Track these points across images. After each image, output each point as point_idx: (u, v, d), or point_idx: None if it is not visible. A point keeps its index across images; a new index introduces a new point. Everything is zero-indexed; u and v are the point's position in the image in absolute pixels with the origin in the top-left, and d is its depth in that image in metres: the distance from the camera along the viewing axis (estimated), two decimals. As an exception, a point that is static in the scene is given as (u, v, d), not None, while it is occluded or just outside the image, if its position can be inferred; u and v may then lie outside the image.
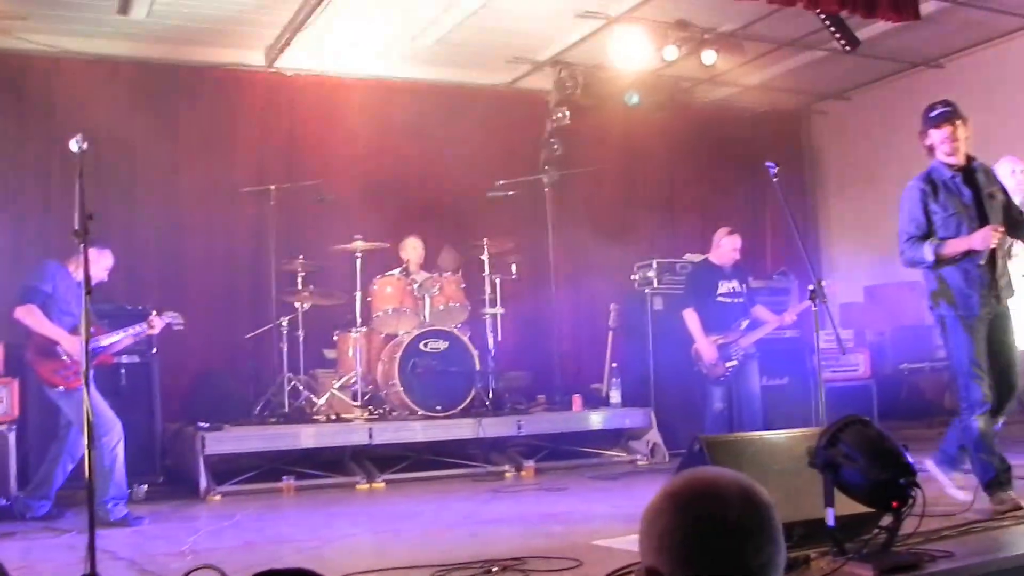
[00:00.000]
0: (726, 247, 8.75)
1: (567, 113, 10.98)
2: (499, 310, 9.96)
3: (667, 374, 10.03)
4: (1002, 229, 5.58)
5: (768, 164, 6.05)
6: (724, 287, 8.72)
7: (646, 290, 10.69)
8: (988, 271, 5.66)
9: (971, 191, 5.67)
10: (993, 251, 5.65)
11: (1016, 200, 6.78)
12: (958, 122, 5.71)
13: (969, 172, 5.75)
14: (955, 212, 5.64)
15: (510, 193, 10.40)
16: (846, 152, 13.27)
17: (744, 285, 8.83)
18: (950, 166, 5.70)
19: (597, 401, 10.34)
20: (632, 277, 11.00)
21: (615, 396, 10.19)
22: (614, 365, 10.43)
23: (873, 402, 10.33)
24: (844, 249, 13.21)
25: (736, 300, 8.72)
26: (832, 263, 13.51)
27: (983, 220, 5.65)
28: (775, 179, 6.04)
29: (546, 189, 10.55)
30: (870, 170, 12.65)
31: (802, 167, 13.90)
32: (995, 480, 5.68)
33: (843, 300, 12.03)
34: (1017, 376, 5.83)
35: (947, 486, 6.14)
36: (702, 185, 13.15)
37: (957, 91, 11.36)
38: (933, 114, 5.74)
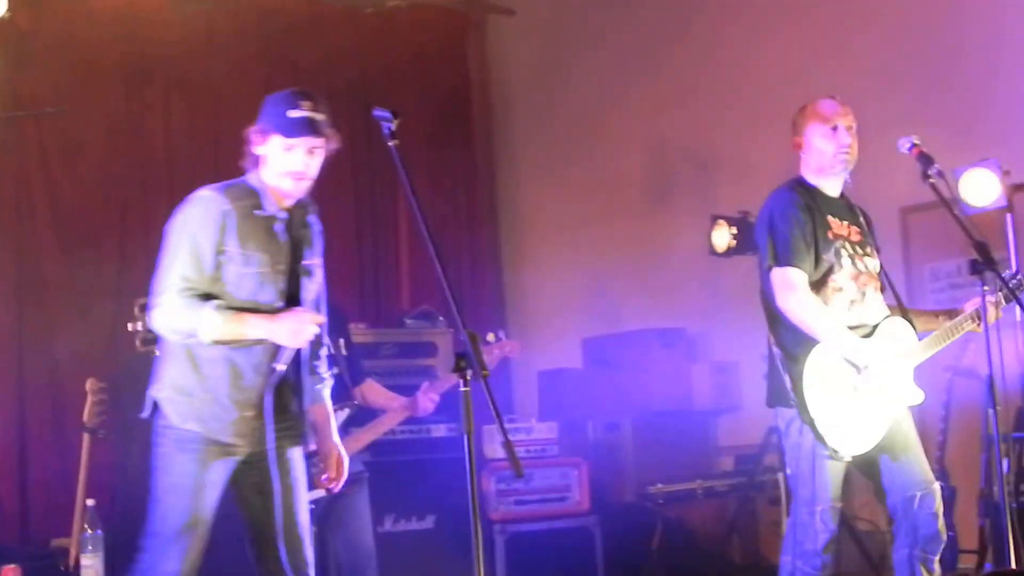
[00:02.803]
0: None
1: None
2: None
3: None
4: (322, 320, 4.33)
5: (377, 112, 3.91)
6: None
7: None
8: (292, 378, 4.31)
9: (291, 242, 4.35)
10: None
11: None
12: (314, 138, 4.19)
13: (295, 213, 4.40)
14: (261, 268, 4.21)
15: None
16: (554, 86, 9.49)
17: (343, 340, 6.06)
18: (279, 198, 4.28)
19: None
20: (132, 326, 6.96)
21: (91, 566, 6.24)
22: (91, 503, 6.39)
23: (597, 558, 6.96)
24: (548, 267, 9.50)
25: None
26: (523, 292, 9.67)
27: (292, 295, 4.26)
28: (392, 142, 3.87)
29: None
30: (598, 115, 9.01)
31: (468, 116, 9.76)
32: None
33: (544, 365, 8.54)
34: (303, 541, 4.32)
35: None
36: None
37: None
38: (283, 113, 4.14)
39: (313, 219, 4.34)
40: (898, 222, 7.44)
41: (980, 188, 6.34)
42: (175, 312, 4.08)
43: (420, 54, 9.21)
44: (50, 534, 7.06)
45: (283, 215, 4.21)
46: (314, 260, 4.36)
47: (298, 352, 4.31)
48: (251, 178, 4.17)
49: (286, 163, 4.12)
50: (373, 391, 6.08)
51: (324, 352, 4.47)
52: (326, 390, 4.40)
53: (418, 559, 6.79)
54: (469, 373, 3.67)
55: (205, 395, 4.20)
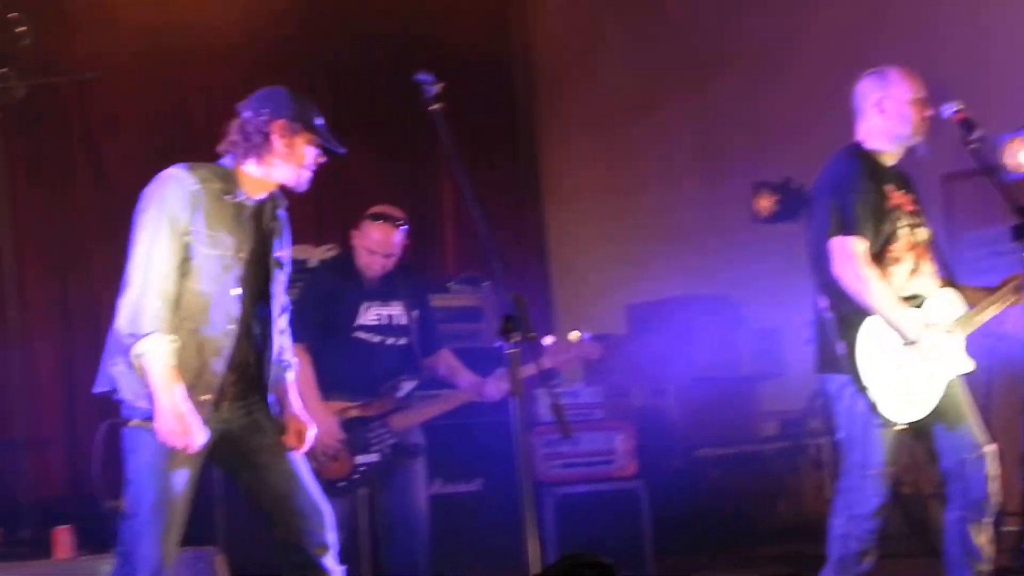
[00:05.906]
0: (375, 239, 5.51)
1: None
2: None
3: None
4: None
5: (419, 76, 3.89)
6: (371, 312, 5.51)
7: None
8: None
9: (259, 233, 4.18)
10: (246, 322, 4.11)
11: None
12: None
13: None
14: (225, 251, 4.03)
15: None
16: (599, 53, 9.23)
17: (415, 311, 5.61)
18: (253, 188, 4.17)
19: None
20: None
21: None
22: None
23: (644, 521, 6.67)
24: (592, 234, 9.22)
25: (393, 339, 5.52)
26: (568, 259, 9.39)
27: (262, 286, 4.17)
28: (434, 106, 3.82)
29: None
30: (644, 82, 8.84)
31: (512, 84, 9.48)
32: None
33: (588, 331, 8.29)
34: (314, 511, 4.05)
35: None
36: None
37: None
38: (312, 116, 4.12)
39: (283, 213, 4.20)
40: (939, 189, 7.17)
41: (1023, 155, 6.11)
42: (143, 313, 3.79)
43: (463, 23, 8.84)
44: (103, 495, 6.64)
45: (252, 203, 4.06)
46: (283, 252, 4.21)
47: (256, 339, 4.13)
48: (225, 163, 4.03)
49: (314, 157, 4.03)
50: (445, 361, 5.73)
51: (287, 342, 4.29)
52: (289, 373, 4.25)
53: (467, 521, 6.59)
54: (516, 337, 3.55)
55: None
